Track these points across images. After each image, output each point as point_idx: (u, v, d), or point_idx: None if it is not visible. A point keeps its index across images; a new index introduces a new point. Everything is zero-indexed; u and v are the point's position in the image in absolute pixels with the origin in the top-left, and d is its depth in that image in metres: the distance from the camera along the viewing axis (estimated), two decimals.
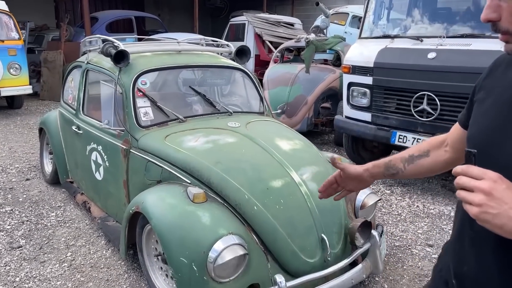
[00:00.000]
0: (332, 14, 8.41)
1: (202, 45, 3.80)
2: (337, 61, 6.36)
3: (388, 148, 4.71)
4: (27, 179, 4.29)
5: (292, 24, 11.20)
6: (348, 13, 10.24)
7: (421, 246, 3.07)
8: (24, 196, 3.87)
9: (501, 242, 0.81)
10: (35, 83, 9.00)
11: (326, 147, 5.82)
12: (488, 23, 0.87)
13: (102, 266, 2.74)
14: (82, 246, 2.99)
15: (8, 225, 3.28)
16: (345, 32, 9.40)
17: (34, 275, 2.64)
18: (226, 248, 1.94)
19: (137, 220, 2.42)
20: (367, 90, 4.22)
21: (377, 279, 2.64)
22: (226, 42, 3.69)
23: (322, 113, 5.77)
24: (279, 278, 1.99)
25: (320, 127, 5.95)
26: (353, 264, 2.32)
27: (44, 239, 3.08)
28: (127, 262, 2.76)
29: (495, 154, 0.84)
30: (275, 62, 6.83)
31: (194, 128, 2.72)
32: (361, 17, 5.42)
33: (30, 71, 8.02)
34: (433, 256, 2.94)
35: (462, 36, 3.68)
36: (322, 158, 2.66)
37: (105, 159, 2.95)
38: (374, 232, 2.39)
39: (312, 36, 6.22)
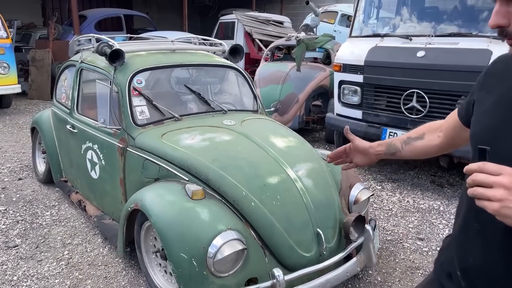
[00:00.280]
0: (321, 13, 8.49)
1: (195, 44, 3.83)
2: (327, 59, 6.44)
3: None
4: (20, 179, 4.27)
5: (281, 23, 11.25)
6: (337, 12, 10.33)
7: (412, 240, 3.15)
8: (18, 195, 3.86)
9: (507, 234, 0.85)
10: (23, 82, 8.89)
11: (317, 145, 5.89)
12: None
13: (99, 264, 2.76)
14: (79, 244, 3.01)
15: (3, 224, 3.28)
16: (334, 31, 9.48)
17: (32, 274, 2.65)
18: (225, 243, 1.99)
19: (135, 218, 2.45)
20: (358, 88, 4.30)
21: (370, 272, 2.71)
22: (220, 41, 3.73)
23: (313, 110, 5.84)
24: (277, 272, 2.04)
25: (311, 125, 6.03)
26: (347, 258, 2.38)
27: (40, 238, 3.09)
28: (124, 259, 2.79)
29: (500, 150, 0.87)
30: (265, 61, 6.88)
31: (190, 126, 2.76)
32: (350, 16, 5.51)
33: (18, 70, 7.94)
34: (423, 249, 3.02)
35: (450, 35, 3.78)
36: (316, 154, 2.72)
37: (101, 158, 2.97)
38: (367, 226, 2.45)
39: (302, 34, 6.28)
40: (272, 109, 3.87)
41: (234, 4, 13.96)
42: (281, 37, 8.15)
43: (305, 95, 5.66)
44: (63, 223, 3.32)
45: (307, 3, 6.77)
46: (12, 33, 8.60)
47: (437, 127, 1.27)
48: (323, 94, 5.84)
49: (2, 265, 2.74)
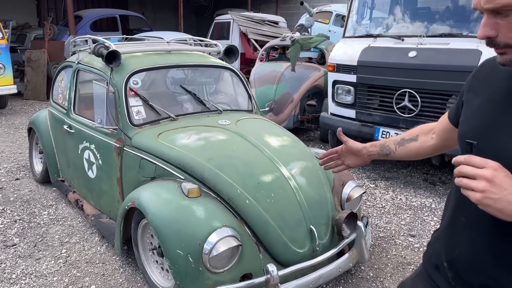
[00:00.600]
0: (316, 13, 8.55)
1: (190, 44, 3.88)
2: (321, 59, 6.50)
3: None
4: (17, 179, 4.31)
5: (276, 23, 11.30)
6: (331, 12, 10.40)
7: (404, 237, 3.22)
8: (15, 195, 3.90)
9: (491, 227, 0.92)
10: (18, 83, 8.91)
11: (312, 144, 5.95)
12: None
13: (97, 262, 2.81)
14: (76, 243, 3.05)
15: (1, 224, 3.32)
16: (329, 31, 9.56)
17: (30, 272, 2.69)
18: (220, 240, 2.04)
19: (132, 216, 2.50)
20: (351, 88, 4.36)
21: (363, 268, 2.77)
22: (215, 42, 3.78)
23: (307, 110, 5.90)
24: (271, 267, 2.09)
25: (306, 124, 6.09)
26: (340, 254, 2.45)
27: (38, 237, 3.13)
28: (122, 257, 2.84)
29: (484, 148, 0.93)
30: (261, 61, 6.93)
31: (186, 126, 2.81)
32: (344, 16, 5.56)
33: (13, 70, 7.95)
34: (415, 245, 3.09)
35: (441, 35, 3.85)
36: (310, 153, 2.78)
37: (98, 158, 3.01)
38: (359, 223, 2.52)
39: (297, 34, 6.34)
40: (267, 108, 3.93)
41: (230, 4, 14.01)
42: (276, 37, 8.21)
43: (299, 94, 5.72)
44: (60, 222, 3.36)
45: (302, 3, 6.83)
46: (7, 34, 8.59)
47: (430, 129, 1.32)
48: (318, 93, 5.91)
49: (1, 263, 2.78)
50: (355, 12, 4.75)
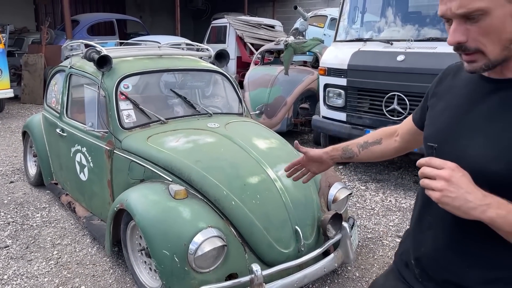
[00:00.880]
0: (311, 17, 8.64)
1: (183, 49, 3.94)
2: (316, 63, 6.55)
3: None
4: (11, 182, 4.35)
5: (273, 26, 11.40)
6: (326, 16, 10.48)
7: (392, 237, 3.27)
8: (9, 198, 3.94)
9: (454, 226, 0.99)
10: (15, 87, 8.96)
11: (305, 146, 5.98)
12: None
13: (88, 263, 2.85)
14: (68, 244, 3.09)
15: None
16: (324, 34, 9.63)
17: (22, 273, 2.74)
18: (206, 240, 2.09)
19: (122, 217, 2.54)
20: (342, 91, 4.42)
21: (349, 268, 2.82)
22: (206, 46, 3.84)
23: (301, 113, 5.96)
24: (255, 267, 2.14)
25: (300, 127, 6.14)
26: (325, 254, 2.49)
27: (30, 238, 3.17)
28: (112, 258, 2.88)
29: (444, 150, 1.00)
30: (255, 64, 6.99)
31: (175, 129, 2.86)
32: None
33: (10, 74, 8.01)
34: None
35: (428, 39, 3.91)
36: (297, 155, 2.83)
37: (90, 160, 3.06)
38: (345, 224, 2.56)
39: (291, 38, 6.40)
40: (257, 112, 3.98)
41: (227, 8, 14.10)
42: (272, 41, 8.28)
43: (293, 98, 5.78)
44: (53, 224, 3.40)
45: (295, 8, 6.90)
46: (4, 38, 8.66)
47: (393, 131, 1.37)
48: (311, 97, 5.96)
49: None
50: (346, 16, 4.82)
